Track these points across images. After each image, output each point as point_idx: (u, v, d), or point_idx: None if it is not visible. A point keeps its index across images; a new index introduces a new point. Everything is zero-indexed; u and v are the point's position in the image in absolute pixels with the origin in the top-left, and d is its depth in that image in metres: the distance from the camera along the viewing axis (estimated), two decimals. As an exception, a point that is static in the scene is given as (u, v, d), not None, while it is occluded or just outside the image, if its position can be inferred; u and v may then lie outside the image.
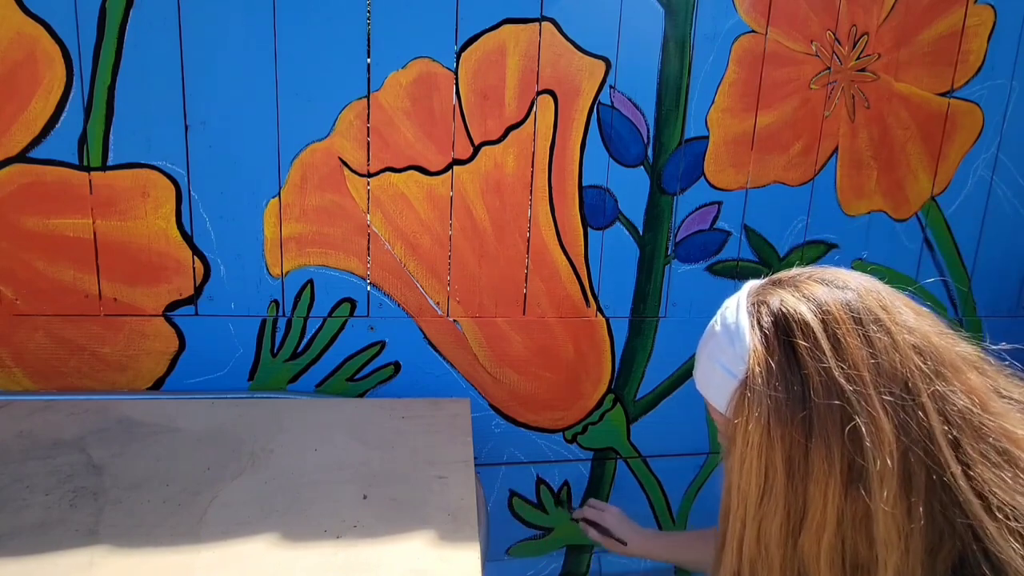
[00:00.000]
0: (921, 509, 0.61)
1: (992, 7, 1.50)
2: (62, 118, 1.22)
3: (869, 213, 1.56)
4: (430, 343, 1.45)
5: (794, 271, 0.76)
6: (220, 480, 1.07)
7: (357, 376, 1.44)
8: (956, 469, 0.61)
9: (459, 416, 1.32)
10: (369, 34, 1.28)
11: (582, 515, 1.36)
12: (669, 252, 1.50)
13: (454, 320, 1.45)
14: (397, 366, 1.45)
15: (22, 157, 1.22)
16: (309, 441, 1.19)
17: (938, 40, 1.50)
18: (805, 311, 0.68)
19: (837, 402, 0.64)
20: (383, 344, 1.43)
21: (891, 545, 0.62)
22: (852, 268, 1.62)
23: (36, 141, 1.22)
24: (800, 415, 0.65)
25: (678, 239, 1.50)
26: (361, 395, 1.45)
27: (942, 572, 0.62)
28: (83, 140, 1.23)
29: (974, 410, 0.63)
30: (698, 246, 1.51)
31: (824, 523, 0.65)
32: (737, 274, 1.54)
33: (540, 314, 1.48)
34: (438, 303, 1.43)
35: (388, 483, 1.08)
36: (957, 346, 0.69)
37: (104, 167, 1.25)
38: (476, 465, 1.18)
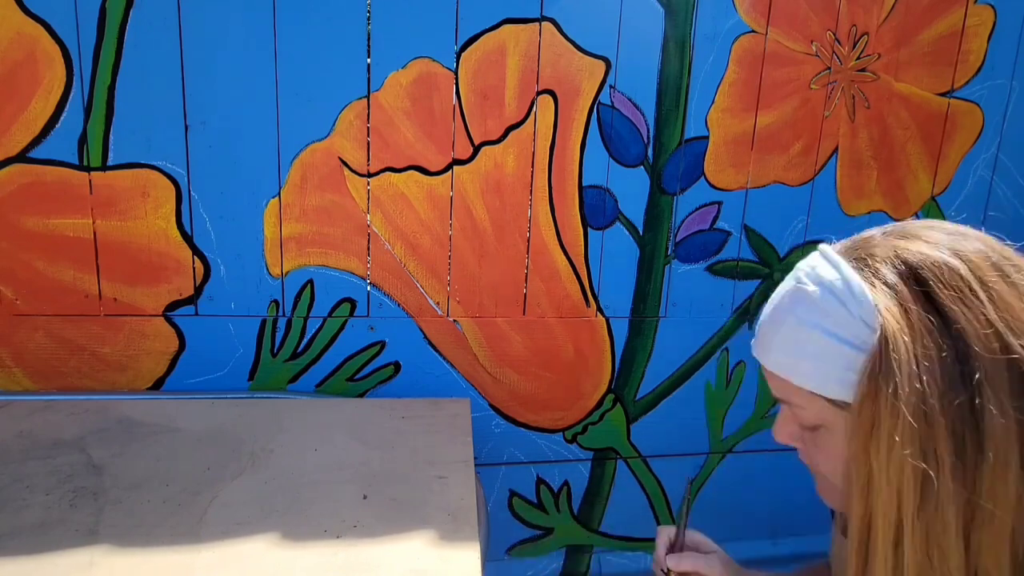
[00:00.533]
0: None
1: (992, 7, 1.50)
2: (62, 118, 1.22)
3: (869, 213, 1.56)
4: (430, 343, 1.45)
5: (894, 225, 0.64)
6: (220, 480, 1.07)
7: (357, 376, 1.44)
8: None
9: (459, 416, 1.32)
10: (369, 34, 1.28)
11: (678, 568, 0.93)
12: (669, 252, 1.50)
13: (454, 320, 1.45)
14: (397, 366, 1.45)
15: (22, 157, 1.22)
16: (309, 441, 1.19)
17: (938, 40, 1.50)
18: (942, 256, 0.56)
19: (1005, 357, 0.52)
20: (383, 344, 1.43)
21: None
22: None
23: (36, 141, 1.22)
24: (962, 378, 0.53)
25: (678, 239, 1.50)
26: (361, 395, 1.45)
27: None
28: (83, 140, 1.23)
29: None
30: (698, 246, 1.51)
31: (1007, 515, 0.53)
32: (737, 274, 1.54)
33: (540, 314, 1.48)
34: (438, 303, 1.43)
35: (388, 483, 1.08)
36: None
37: (104, 167, 1.25)
38: (476, 465, 1.18)
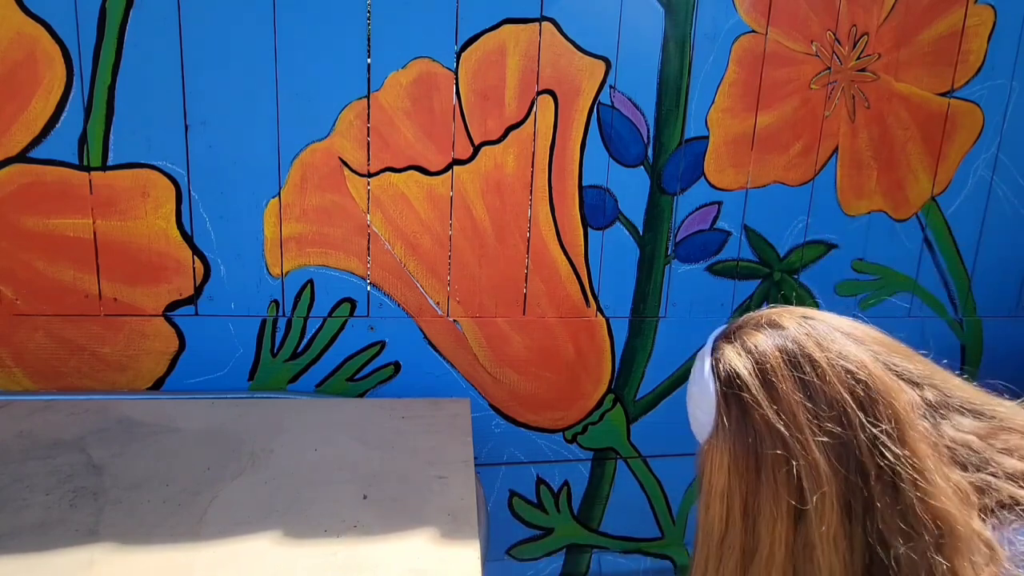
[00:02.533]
0: (862, 535, 0.66)
1: (992, 7, 1.50)
2: (62, 118, 1.22)
3: (869, 213, 1.56)
4: (430, 343, 1.45)
5: (744, 318, 0.81)
6: (220, 480, 1.07)
7: (357, 376, 1.44)
8: (882, 494, 0.66)
9: (459, 416, 1.32)
10: (369, 34, 1.28)
11: None
12: (669, 252, 1.50)
13: (454, 320, 1.45)
14: (397, 366, 1.45)
15: (22, 157, 1.22)
16: (309, 441, 1.19)
17: (938, 40, 1.50)
18: (741, 366, 0.74)
19: (779, 451, 0.69)
20: (383, 344, 1.43)
21: (834, 571, 0.67)
22: (852, 268, 1.62)
23: (36, 141, 1.22)
24: (751, 462, 0.72)
25: (678, 239, 1.50)
26: (361, 395, 1.45)
27: None
28: (83, 140, 1.23)
29: (897, 433, 0.68)
30: (698, 246, 1.51)
31: (772, 556, 0.70)
32: (737, 274, 1.54)
33: (540, 314, 1.48)
34: (438, 303, 1.43)
35: (388, 483, 1.08)
36: (897, 366, 0.73)
37: (104, 167, 1.25)
38: (476, 465, 1.18)
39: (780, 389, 0.71)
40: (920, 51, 1.49)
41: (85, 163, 1.24)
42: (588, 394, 1.56)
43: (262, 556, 0.91)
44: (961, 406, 0.73)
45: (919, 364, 0.75)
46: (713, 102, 1.43)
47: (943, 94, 1.53)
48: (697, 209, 1.48)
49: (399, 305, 1.42)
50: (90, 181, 1.25)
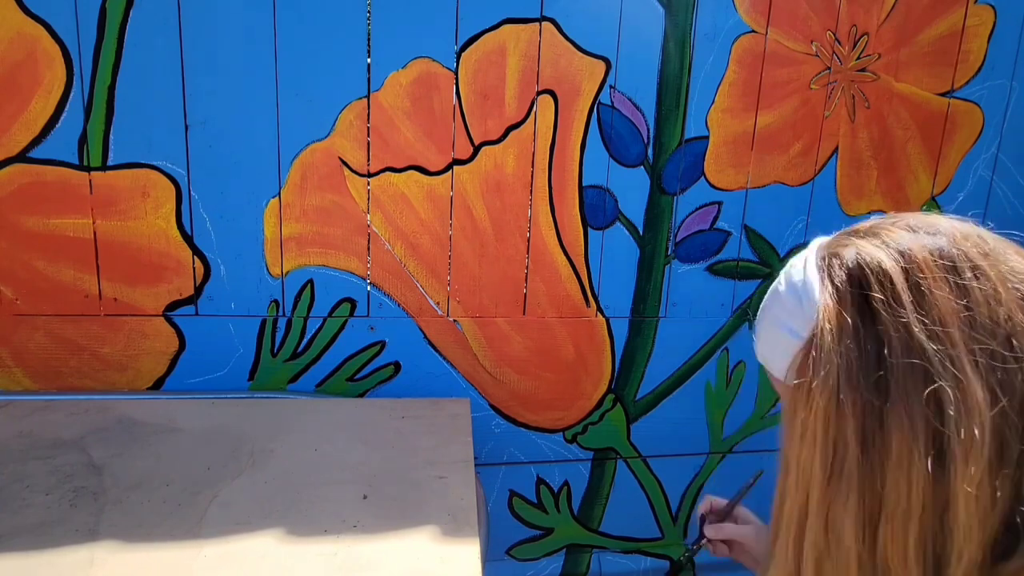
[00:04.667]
0: (1010, 486, 0.53)
1: (992, 7, 1.50)
2: (62, 118, 1.22)
3: (869, 213, 1.56)
4: (430, 343, 1.45)
5: (875, 220, 0.65)
6: (220, 480, 1.07)
7: (357, 376, 1.44)
8: None
9: (459, 416, 1.32)
10: (369, 34, 1.28)
11: (717, 536, 0.99)
12: (669, 252, 1.50)
13: (454, 320, 1.45)
14: (397, 366, 1.45)
15: (22, 157, 1.22)
16: (309, 441, 1.19)
17: (938, 40, 1.50)
18: (884, 258, 0.58)
19: (917, 361, 0.54)
20: (383, 344, 1.43)
21: (970, 534, 0.53)
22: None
23: (36, 141, 1.22)
24: (874, 377, 0.56)
25: (678, 239, 1.50)
26: (361, 395, 1.45)
27: (1007, 546, 0.54)
28: (83, 140, 1.23)
29: None
30: (698, 246, 1.51)
31: (910, 509, 0.54)
32: (737, 274, 1.54)
33: (540, 314, 1.48)
34: (438, 303, 1.43)
35: (388, 483, 1.08)
36: None
37: (104, 167, 1.25)
38: (476, 465, 1.18)
39: (930, 292, 0.56)
40: (920, 51, 1.49)
41: (85, 163, 1.24)
42: (588, 394, 1.56)
43: (262, 556, 0.91)
44: None
45: None
46: (713, 102, 1.43)
47: (943, 94, 1.53)
48: (697, 209, 1.48)
49: (399, 305, 1.42)
50: (90, 181, 1.25)
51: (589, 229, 1.45)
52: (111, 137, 1.24)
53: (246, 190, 1.31)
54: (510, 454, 1.56)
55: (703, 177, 1.47)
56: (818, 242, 0.67)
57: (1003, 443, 0.53)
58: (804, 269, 0.64)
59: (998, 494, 0.53)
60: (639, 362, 1.56)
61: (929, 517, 0.54)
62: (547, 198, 1.42)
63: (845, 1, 1.43)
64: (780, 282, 0.68)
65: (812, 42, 1.43)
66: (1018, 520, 0.53)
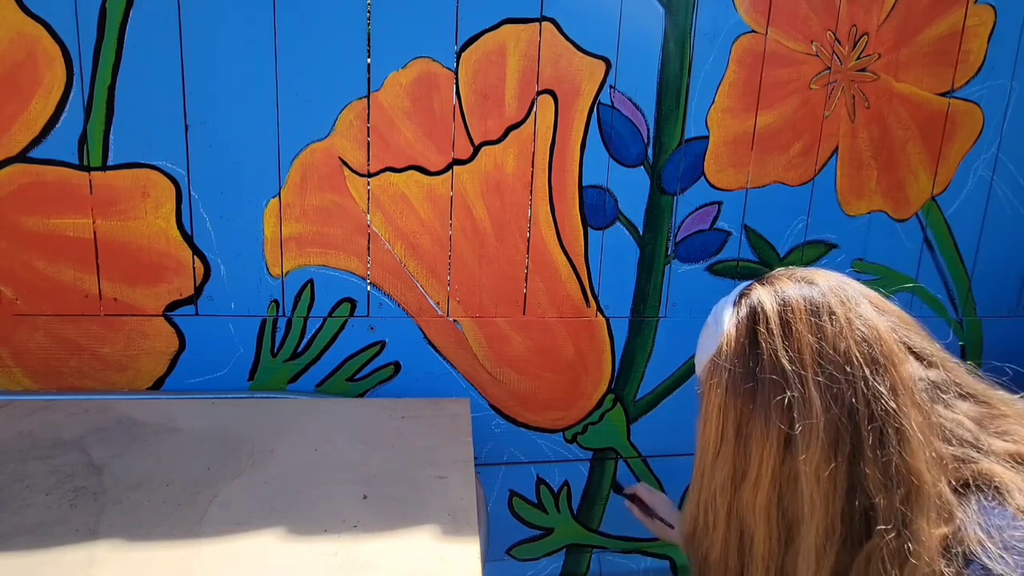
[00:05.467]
0: (845, 474, 0.72)
1: (992, 7, 1.50)
2: (62, 118, 1.22)
3: (869, 213, 1.56)
4: (430, 343, 1.45)
5: (779, 270, 0.86)
6: (220, 480, 1.07)
7: (357, 376, 1.44)
8: (868, 441, 0.71)
9: (459, 416, 1.32)
10: (369, 34, 1.28)
11: (633, 491, 1.31)
12: (669, 252, 1.50)
13: (454, 320, 1.45)
14: (397, 366, 1.45)
15: (22, 157, 1.22)
16: (309, 441, 1.19)
17: (938, 40, 1.50)
18: (768, 303, 0.80)
19: (776, 377, 0.75)
20: (383, 344, 1.43)
21: (815, 503, 0.72)
22: (852, 268, 1.62)
23: (36, 141, 1.22)
24: (749, 385, 0.78)
25: (678, 239, 1.50)
26: (361, 395, 1.45)
27: (862, 533, 0.72)
28: (83, 140, 1.23)
29: (893, 395, 0.73)
30: (698, 246, 1.51)
31: (759, 478, 0.76)
32: (737, 274, 1.54)
33: (540, 314, 1.48)
34: (438, 303, 1.43)
35: (388, 483, 1.08)
36: (910, 341, 0.78)
37: (104, 167, 1.25)
38: (476, 465, 1.18)
39: (795, 328, 0.77)
40: (920, 51, 1.49)
41: (85, 163, 1.24)
42: (588, 394, 1.56)
43: (262, 556, 0.91)
44: (962, 391, 0.78)
45: (932, 347, 0.79)
46: (713, 102, 1.43)
47: (943, 94, 1.53)
48: (697, 209, 1.48)
49: (399, 305, 1.42)
50: (90, 181, 1.25)
51: (589, 229, 1.45)
52: (111, 137, 1.24)
53: (246, 190, 1.31)
54: (510, 454, 1.56)
55: (703, 177, 1.47)
56: (742, 285, 0.89)
57: (836, 439, 0.72)
58: (725, 305, 0.87)
59: (835, 479, 0.72)
60: (639, 362, 1.56)
61: (779, 485, 0.75)
62: (547, 198, 1.42)
63: (845, 1, 1.43)
64: (712, 313, 0.91)
65: (812, 42, 1.43)
66: (858, 506, 0.71)
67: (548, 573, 1.67)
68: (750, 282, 0.88)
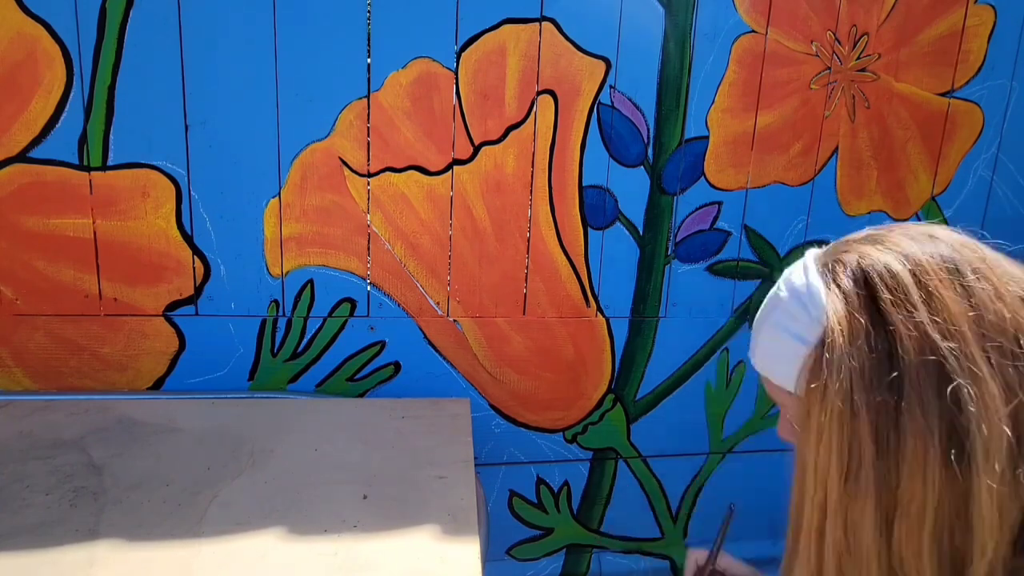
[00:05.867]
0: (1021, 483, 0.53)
1: (992, 7, 1.50)
2: (62, 118, 1.22)
3: (869, 213, 1.56)
4: (430, 343, 1.45)
5: (871, 230, 0.66)
6: (220, 480, 1.07)
7: (357, 376, 1.44)
8: None
9: (459, 416, 1.32)
10: (369, 34, 1.28)
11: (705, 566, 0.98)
12: (669, 252, 1.50)
13: (454, 320, 1.45)
14: (397, 366, 1.45)
15: (22, 157, 1.22)
16: (309, 441, 1.19)
17: (938, 40, 1.50)
18: (891, 261, 0.59)
19: (932, 358, 0.55)
20: (383, 344, 1.43)
21: (992, 528, 0.53)
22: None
23: (36, 141, 1.22)
24: (888, 377, 0.56)
25: (678, 239, 1.50)
26: (361, 395, 1.45)
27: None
28: (83, 140, 1.23)
29: None
30: (698, 246, 1.51)
31: (924, 507, 0.55)
32: (737, 274, 1.54)
33: (540, 314, 1.48)
34: (438, 303, 1.43)
35: (388, 483, 1.08)
36: None
37: (104, 167, 1.25)
38: (476, 465, 1.18)
39: (939, 293, 0.57)
40: (920, 51, 1.49)
41: (85, 163, 1.24)
42: (588, 394, 1.56)
43: (262, 556, 0.91)
44: None
45: None
46: (713, 102, 1.43)
47: (943, 94, 1.53)
48: (697, 209, 1.48)
49: (399, 305, 1.42)
50: (90, 181, 1.25)
51: (589, 229, 1.45)
52: (111, 137, 1.24)
53: (246, 190, 1.31)
54: (510, 454, 1.56)
55: (703, 177, 1.47)
56: (813, 252, 0.69)
57: (1020, 438, 0.54)
58: (806, 275, 0.65)
59: (1020, 489, 0.53)
60: (639, 362, 1.56)
61: (945, 514, 0.55)
62: (547, 198, 1.42)
63: (845, 1, 1.43)
64: (780, 289, 0.68)
65: (812, 42, 1.43)
66: None
67: (548, 573, 1.67)
68: (819, 249, 0.68)
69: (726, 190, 1.49)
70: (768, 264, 1.55)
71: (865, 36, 1.46)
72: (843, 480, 0.58)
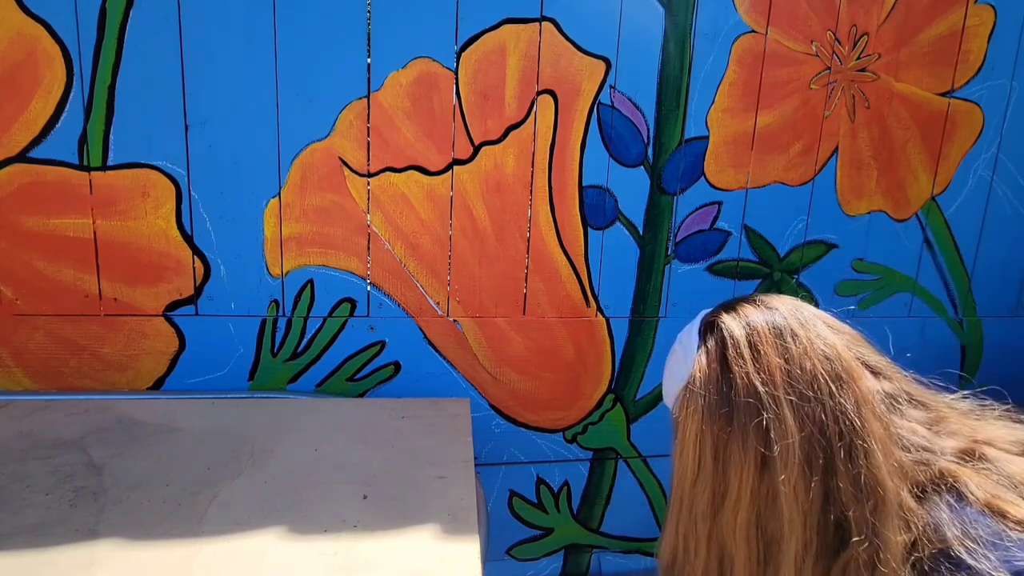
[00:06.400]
0: (820, 489, 0.74)
1: (992, 7, 1.50)
2: (62, 118, 1.22)
3: (869, 213, 1.56)
4: (430, 343, 1.45)
5: (738, 298, 0.89)
6: (220, 480, 1.07)
7: (357, 376, 1.44)
8: (840, 455, 0.74)
9: (459, 416, 1.32)
10: (369, 34, 1.28)
11: None
12: (669, 252, 1.50)
13: (454, 320, 1.45)
14: (397, 366, 1.45)
15: (22, 157, 1.22)
16: (309, 441, 1.19)
17: (938, 40, 1.50)
18: (735, 327, 0.82)
19: (752, 400, 0.77)
20: (383, 344, 1.43)
21: (794, 519, 0.74)
22: (852, 268, 1.62)
23: (36, 141, 1.22)
24: (724, 410, 0.79)
25: (678, 239, 1.50)
26: (361, 395, 1.45)
27: (837, 543, 0.74)
28: (83, 140, 1.23)
29: (856, 409, 0.76)
30: (698, 246, 1.51)
31: (739, 500, 0.77)
32: (737, 274, 1.54)
33: (540, 314, 1.48)
34: (438, 303, 1.43)
35: (388, 483, 1.08)
36: (865, 356, 0.82)
37: (104, 167, 1.25)
38: (476, 465, 1.18)
39: (763, 352, 0.79)
40: (920, 51, 1.49)
41: (85, 163, 1.24)
42: (588, 394, 1.56)
43: (262, 556, 0.91)
44: (911, 399, 0.82)
45: (883, 360, 0.84)
46: (713, 102, 1.43)
47: (943, 94, 1.53)
48: (697, 209, 1.48)
49: (399, 305, 1.42)
50: (90, 181, 1.25)
51: (589, 229, 1.45)
52: (111, 137, 1.24)
53: (246, 190, 1.31)
54: (510, 454, 1.56)
55: (703, 177, 1.47)
56: (703, 312, 0.90)
57: (811, 456, 0.74)
58: (691, 332, 0.88)
59: (811, 495, 0.73)
60: (639, 362, 1.56)
61: (762, 507, 0.76)
62: (547, 198, 1.42)
63: (845, 1, 1.43)
64: (679, 341, 0.91)
65: (812, 42, 1.43)
66: (833, 519, 0.73)
67: (548, 573, 1.67)
68: (707, 311, 0.90)
69: (726, 190, 1.49)
70: (768, 264, 1.55)
71: (865, 36, 1.46)
72: (693, 479, 0.82)
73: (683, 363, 0.87)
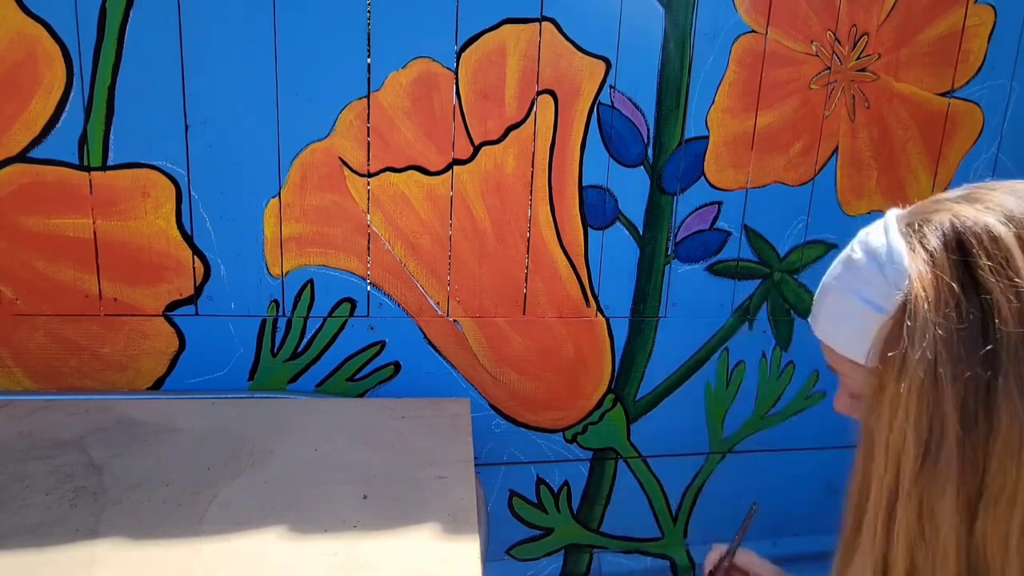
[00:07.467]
0: None
1: (992, 7, 1.50)
2: (62, 118, 1.22)
3: (869, 213, 1.56)
4: (430, 343, 1.45)
5: (966, 187, 0.59)
6: (220, 480, 1.07)
7: (357, 376, 1.44)
8: None
9: (459, 416, 1.32)
10: (369, 34, 1.28)
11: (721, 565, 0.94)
12: (669, 252, 1.50)
13: (454, 320, 1.45)
14: (397, 366, 1.45)
15: (22, 157, 1.22)
16: (309, 441, 1.19)
17: (938, 40, 1.50)
18: (993, 222, 0.52)
19: None
20: (383, 344, 1.43)
21: None
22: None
23: (36, 141, 1.22)
24: (982, 350, 0.50)
25: (678, 239, 1.50)
26: (361, 395, 1.45)
27: None
28: (83, 140, 1.23)
29: None
30: (698, 246, 1.51)
31: (1016, 495, 0.49)
32: (737, 274, 1.54)
33: (540, 314, 1.48)
34: (438, 303, 1.43)
35: (388, 483, 1.08)
36: None
37: (104, 167, 1.25)
38: (476, 465, 1.18)
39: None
40: (920, 51, 1.49)
41: (85, 163, 1.24)
42: (588, 394, 1.56)
43: (262, 556, 0.91)
44: None
45: None
46: (713, 102, 1.43)
47: (943, 94, 1.53)
48: (697, 209, 1.48)
49: (399, 305, 1.42)
50: (90, 181, 1.25)
51: (589, 229, 1.45)
52: (111, 137, 1.24)
53: (246, 190, 1.31)
54: (510, 454, 1.56)
55: (703, 177, 1.47)
56: (895, 211, 0.62)
57: None
58: (886, 235, 0.58)
59: None
60: (639, 362, 1.56)
61: None
62: (547, 198, 1.42)
63: (845, 1, 1.43)
64: (854, 250, 0.61)
65: (812, 42, 1.43)
66: None
67: (548, 573, 1.67)
68: (910, 206, 0.61)
69: (726, 190, 1.49)
70: (768, 264, 1.55)
71: (865, 36, 1.46)
72: (920, 460, 0.51)
73: (877, 279, 0.57)
